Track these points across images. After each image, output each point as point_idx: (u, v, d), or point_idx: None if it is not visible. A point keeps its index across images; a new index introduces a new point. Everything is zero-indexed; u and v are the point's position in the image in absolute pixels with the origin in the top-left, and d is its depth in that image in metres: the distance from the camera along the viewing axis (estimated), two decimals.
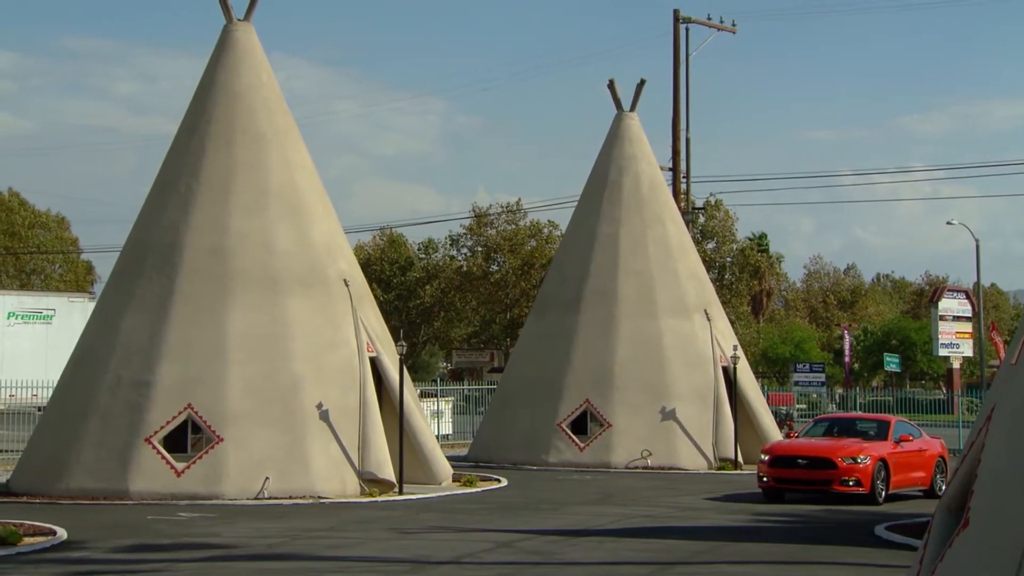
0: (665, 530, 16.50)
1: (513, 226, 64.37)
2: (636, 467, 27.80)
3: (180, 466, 20.29)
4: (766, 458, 20.88)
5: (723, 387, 28.78)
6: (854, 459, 20.28)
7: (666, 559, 13.71)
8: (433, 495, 21.48)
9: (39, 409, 27.83)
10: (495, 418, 30.50)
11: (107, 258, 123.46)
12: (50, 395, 23.17)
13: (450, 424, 37.88)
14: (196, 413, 20.61)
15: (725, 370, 29.25)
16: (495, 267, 64.78)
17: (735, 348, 29.56)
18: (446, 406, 38.24)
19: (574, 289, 29.86)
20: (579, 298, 29.68)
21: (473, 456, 29.58)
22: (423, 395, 33.75)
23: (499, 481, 24.16)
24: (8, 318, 32.92)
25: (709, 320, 29.85)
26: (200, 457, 20.36)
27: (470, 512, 18.60)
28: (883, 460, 20.56)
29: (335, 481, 20.83)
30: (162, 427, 20.51)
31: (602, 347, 29.04)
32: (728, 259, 62.76)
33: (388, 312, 49.34)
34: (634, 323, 29.26)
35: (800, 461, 20.53)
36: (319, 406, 21.21)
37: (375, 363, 22.55)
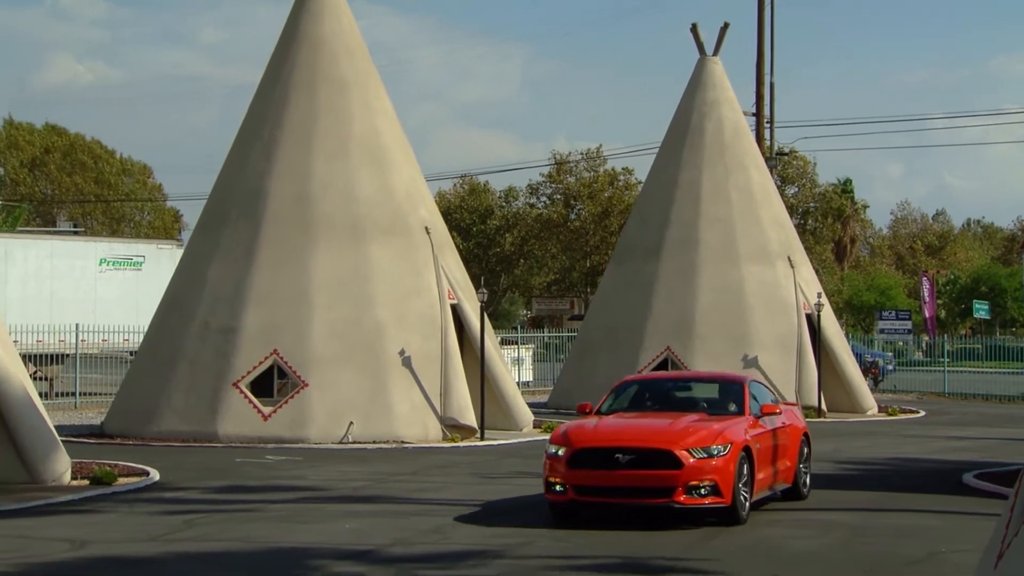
0: None
1: (592, 173, 64.05)
2: None
3: (267, 410, 20.67)
4: (560, 452, 11.80)
5: (806, 335, 28.47)
6: (707, 451, 11.64)
7: None
8: (514, 441, 21.61)
9: (131, 354, 28.53)
10: (575, 365, 30.55)
11: (194, 206, 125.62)
12: (141, 340, 23.72)
13: (530, 371, 38.01)
14: (281, 358, 20.94)
15: (808, 318, 28.92)
16: (574, 215, 64.59)
17: (819, 295, 29.19)
18: (526, 353, 38.36)
19: (655, 236, 29.67)
20: (660, 245, 29.48)
21: (553, 403, 29.70)
22: (503, 342, 33.90)
23: None
24: (100, 264, 33.66)
25: (792, 267, 29.49)
26: (286, 402, 20.71)
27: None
28: (746, 449, 12.00)
29: (417, 426, 21.07)
30: (249, 372, 20.89)
31: (683, 295, 28.87)
32: (812, 205, 61.78)
33: (468, 260, 49.56)
34: (716, 270, 29.02)
35: (619, 457, 11.63)
36: (401, 352, 21.41)
37: (456, 310, 22.67)
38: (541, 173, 65.78)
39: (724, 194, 29.69)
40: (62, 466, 15.09)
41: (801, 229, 56.16)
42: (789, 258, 29.59)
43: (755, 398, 13.21)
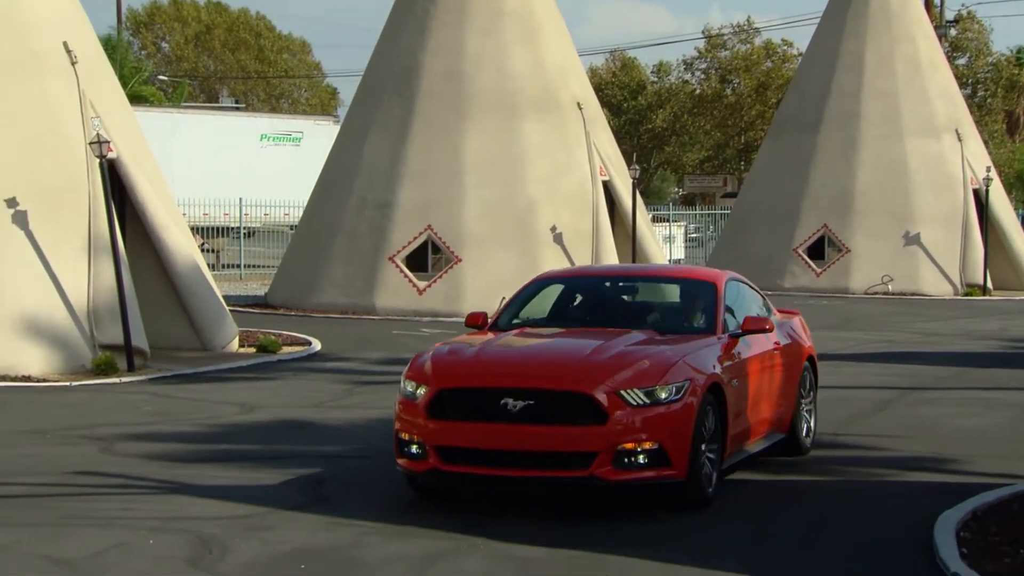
0: (907, 355, 16.13)
1: (748, 46, 62.16)
2: (876, 293, 27.23)
3: (421, 284, 21.15)
4: (419, 393, 7.61)
5: (973, 210, 27.58)
6: (649, 393, 7.38)
7: (908, 384, 13.42)
8: None
9: (291, 228, 29.41)
10: (728, 243, 30.24)
11: (350, 82, 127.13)
12: (300, 214, 24.41)
13: (682, 249, 37.81)
14: (435, 234, 21.31)
15: (976, 193, 27.89)
16: (729, 89, 63.03)
17: (988, 169, 28.10)
18: (678, 231, 38.10)
19: (814, 110, 28.85)
20: (819, 119, 28.69)
21: None
22: (655, 220, 33.70)
23: None
24: (260, 140, 34.57)
25: (960, 140, 28.37)
26: (440, 277, 21.14)
27: None
28: (715, 389, 7.77)
29: None
30: (404, 247, 21.34)
31: (843, 170, 28.16)
32: (982, 75, 58.81)
33: (620, 137, 49.04)
34: (878, 145, 28.16)
35: (508, 403, 7.34)
36: (553, 229, 21.52)
37: (608, 187, 22.60)
38: (697, 47, 64.21)
39: (889, 65, 28.60)
40: (230, 335, 15.82)
41: (970, 101, 53.61)
42: (956, 131, 28.48)
43: (732, 308, 8.62)
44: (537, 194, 21.63)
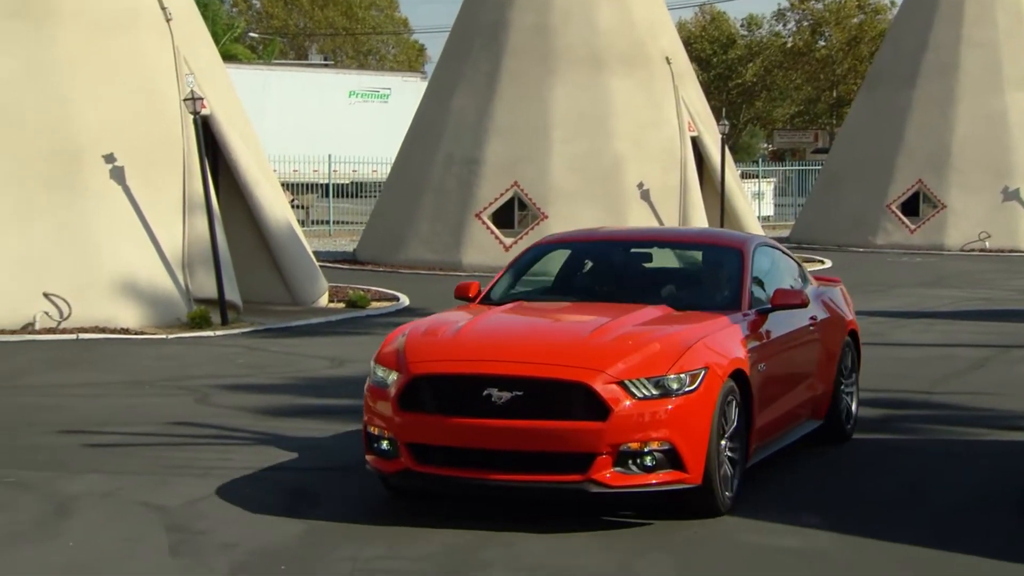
0: (1004, 313, 15.77)
1: None
2: (972, 250, 26.66)
3: (508, 241, 21.19)
4: (390, 380, 6.46)
5: None
6: (659, 383, 6.23)
7: (1005, 342, 13.13)
8: None
9: (379, 184, 29.65)
10: (819, 199, 29.76)
11: (437, 38, 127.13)
12: (388, 171, 24.58)
13: (771, 206, 37.32)
14: (522, 190, 21.32)
15: None
16: (821, 42, 61.73)
17: None
18: (767, 187, 37.59)
19: (910, 63, 28.13)
20: (915, 72, 27.98)
21: (795, 238, 29.17)
22: (743, 176, 33.27)
23: (822, 263, 23.79)
24: (349, 97, 34.82)
25: None
26: (526, 233, 21.15)
27: None
28: (738, 376, 6.61)
29: None
30: (491, 203, 21.39)
31: (939, 124, 27.47)
32: None
33: (709, 92, 48.38)
34: (977, 99, 27.40)
35: (492, 394, 6.20)
36: (640, 185, 21.39)
37: (696, 143, 22.36)
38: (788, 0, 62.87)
39: (989, 15, 27.78)
40: (320, 290, 16.05)
41: None
42: None
43: (761, 279, 7.53)
44: (624, 150, 21.49)
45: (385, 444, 6.40)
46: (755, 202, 32.43)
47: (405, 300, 16.46)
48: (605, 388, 6.08)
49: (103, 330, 13.24)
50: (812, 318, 7.77)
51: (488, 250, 21.18)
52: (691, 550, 5.93)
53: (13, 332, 12.99)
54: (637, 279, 7.77)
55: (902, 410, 9.50)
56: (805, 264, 25.06)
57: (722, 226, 21.56)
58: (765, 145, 75.04)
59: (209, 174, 14.24)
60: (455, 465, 6.22)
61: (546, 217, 21.09)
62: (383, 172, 27.84)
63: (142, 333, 13.29)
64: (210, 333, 13.36)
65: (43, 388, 10.39)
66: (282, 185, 18.26)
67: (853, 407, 8.40)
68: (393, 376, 6.41)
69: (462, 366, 6.33)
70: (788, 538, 6.17)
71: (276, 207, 15.70)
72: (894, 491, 7.16)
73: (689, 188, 21.65)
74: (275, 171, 19.82)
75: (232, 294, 14.13)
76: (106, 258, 13.63)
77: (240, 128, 15.60)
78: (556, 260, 7.96)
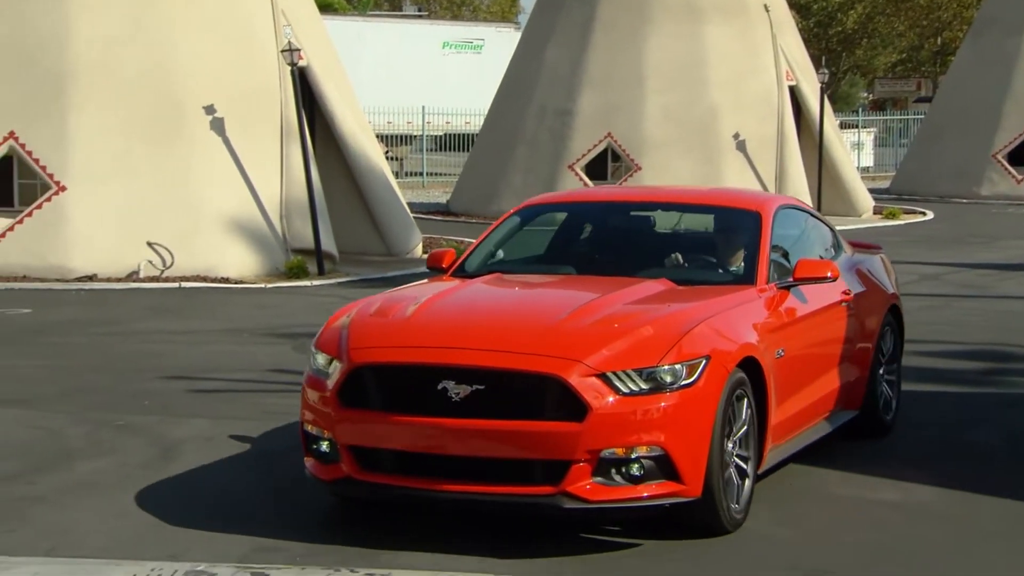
0: None
1: None
2: None
3: None
4: (332, 369, 5.41)
5: None
6: (650, 375, 5.15)
7: None
8: (852, 227, 21.03)
9: (472, 136, 29.67)
10: (921, 149, 29.06)
11: None
12: (481, 122, 24.58)
13: (871, 156, 36.55)
14: (615, 141, 21.18)
15: None
16: None
17: None
18: (867, 137, 36.79)
19: (1018, 9, 27.21)
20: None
21: (895, 188, 28.60)
22: (843, 126, 32.59)
23: (924, 214, 23.29)
24: (443, 48, 34.80)
25: None
26: (621, 183, 21.03)
27: (893, 244, 18.04)
28: (749, 365, 5.51)
29: None
30: (584, 155, 21.30)
31: None
32: None
33: (808, 40, 47.34)
34: None
35: (447, 388, 5.15)
36: (736, 136, 21.08)
37: (794, 92, 21.97)
38: None
39: None
40: (415, 241, 16.18)
41: None
42: None
43: (784, 248, 6.43)
44: (720, 100, 21.19)
45: (324, 446, 5.35)
46: (854, 152, 31.79)
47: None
48: (583, 382, 4.99)
49: (204, 279, 13.53)
50: (845, 293, 6.62)
51: None
52: (788, 503, 5.89)
53: (119, 280, 13.35)
54: (636, 248, 6.58)
55: (1006, 363, 9.28)
56: (906, 216, 24.49)
57: (820, 178, 21.19)
58: (865, 94, 73.31)
59: (306, 125, 14.39)
60: (404, 473, 5.19)
61: (639, 168, 20.94)
62: (476, 124, 27.85)
63: (241, 282, 13.55)
64: (307, 283, 13.58)
65: (147, 335, 10.68)
66: (376, 137, 18.39)
67: (894, 394, 7.21)
68: (335, 365, 5.34)
69: (413, 354, 5.25)
70: (887, 492, 6.10)
71: (371, 158, 15.82)
72: (997, 445, 7.02)
73: (786, 139, 21.29)
74: (369, 123, 19.96)
75: (328, 244, 14.33)
76: (206, 208, 13.89)
77: (336, 79, 15.72)
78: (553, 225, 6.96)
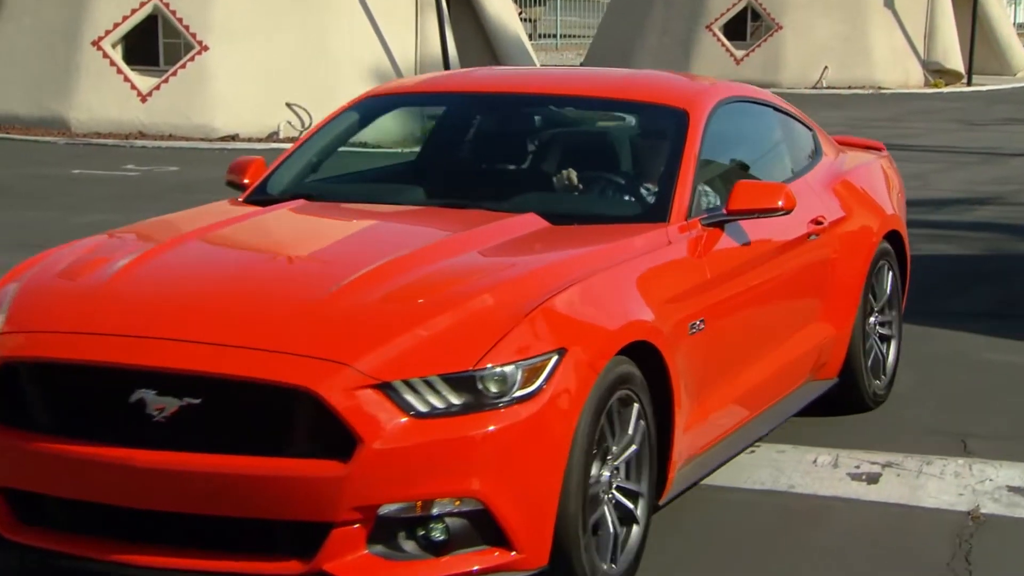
0: None
1: None
2: None
3: (739, 54, 20.56)
4: None
5: None
6: (460, 382, 3.02)
7: None
8: (1006, 87, 20.18)
9: None
10: None
11: None
12: None
13: None
14: (756, 0, 20.52)
15: None
16: None
17: None
18: None
19: None
20: None
21: None
22: None
23: None
24: None
25: None
26: (759, 45, 20.46)
27: None
28: (640, 351, 3.38)
29: (897, 71, 20.14)
30: (722, 14, 20.70)
31: None
32: None
33: None
34: None
35: (148, 404, 3.04)
36: None
37: None
38: None
39: None
40: None
41: None
42: None
43: (732, 163, 4.60)
44: None
45: None
46: (1010, 8, 30.17)
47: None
48: (350, 397, 2.97)
49: None
50: (816, 219, 4.53)
51: (718, 63, 20.59)
52: (932, 367, 5.78)
53: (259, 140, 13.64)
54: (503, 165, 4.54)
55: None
56: None
57: (973, 35, 20.24)
58: None
59: None
60: (78, 531, 3.19)
61: (780, 28, 20.29)
62: None
63: (379, 147, 13.67)
64: None
65: None
66: None
67: (889, 356, 5.13)
68: None
69: (94, 345, 3.18)
70: None
71: (504, 18, 15.66)
72: None
73: None
74: None
75: None
76: (344, 69, 14.00)
77: None
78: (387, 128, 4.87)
